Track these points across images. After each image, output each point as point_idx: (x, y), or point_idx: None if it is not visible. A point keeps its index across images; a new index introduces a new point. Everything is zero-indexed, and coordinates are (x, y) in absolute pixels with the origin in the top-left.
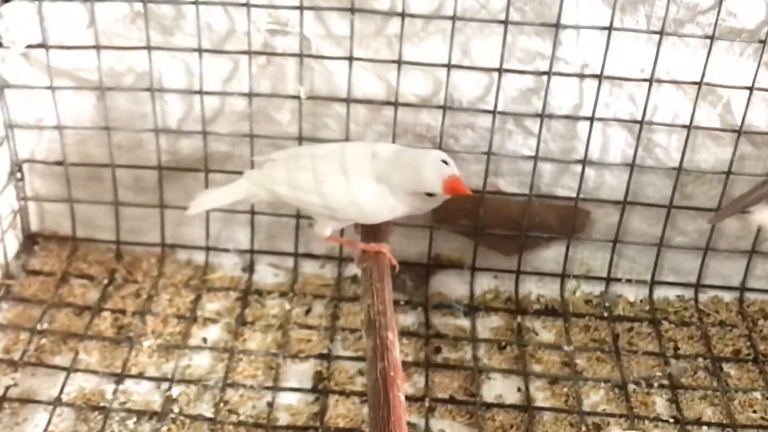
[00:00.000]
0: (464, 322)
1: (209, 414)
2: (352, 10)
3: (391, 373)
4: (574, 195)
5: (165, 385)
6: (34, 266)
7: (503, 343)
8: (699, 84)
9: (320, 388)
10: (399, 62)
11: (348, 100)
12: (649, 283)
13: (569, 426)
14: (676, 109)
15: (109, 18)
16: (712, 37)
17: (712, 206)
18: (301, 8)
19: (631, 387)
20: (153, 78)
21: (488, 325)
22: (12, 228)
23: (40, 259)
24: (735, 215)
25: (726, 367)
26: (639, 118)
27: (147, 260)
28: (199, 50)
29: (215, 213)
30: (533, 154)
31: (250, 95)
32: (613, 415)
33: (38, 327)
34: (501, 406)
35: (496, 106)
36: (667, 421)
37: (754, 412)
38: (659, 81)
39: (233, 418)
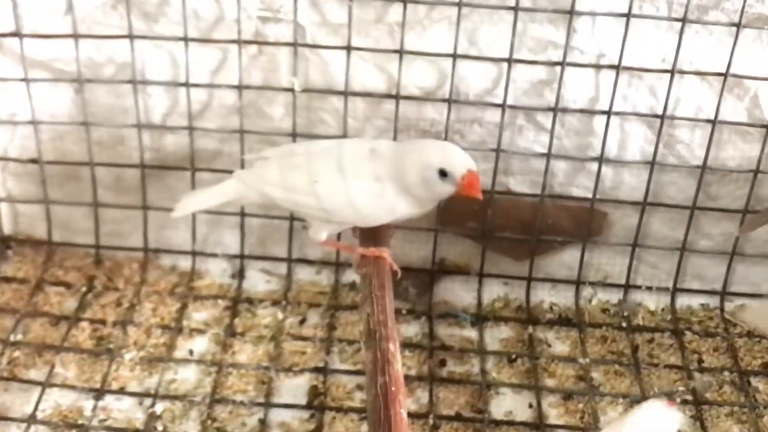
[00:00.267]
0: (471, 333)
1: None
2: None
3: (393, 388)
4: (589, 195)
5: (148, 401)
6: (7, 273)
7: (513, 356)
8: (724, 75)
9: (316, 405)
10: (401, 52)
11: (346, 93)
12: (671, 291)
13: None
14: (700, 103)
15: (87, 4)
16: (738, 25)
17: (739, 207)
18: None
19: None
20: (135, 69)
21: (497, 336)
22: None
23: (13, 264)
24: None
25: (754, 381)
26: (660, 112)
27: (129, 266)
28: (185, 39)
29: (202, 215)
30: (546, 151)
31: (240, 88)
32: None
33: (11, 338)
34: (511, 423)
35: (505, 99)
36: None
37: None
38: (681, 72)
39: None
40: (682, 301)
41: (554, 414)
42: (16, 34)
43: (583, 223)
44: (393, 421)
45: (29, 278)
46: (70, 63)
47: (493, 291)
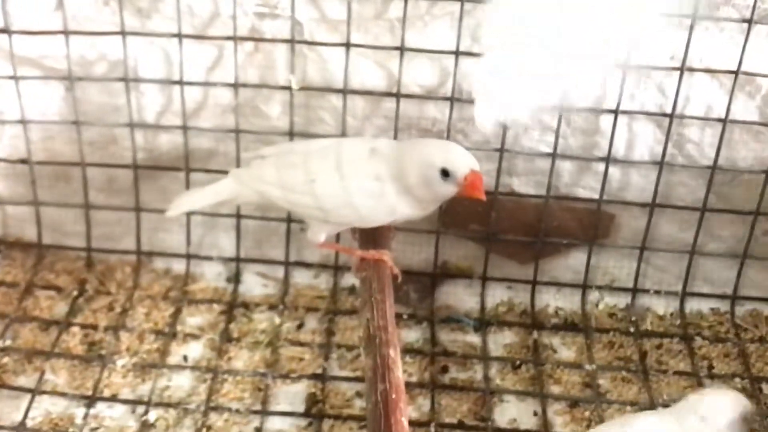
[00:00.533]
0: (474, 338)
1: None
2: None
3: (393, 396)
4: (596, 196)
5: (141, 409)
6: None
7: (518, 362)
8: (735, 73)
9: (314, 412)
10: (401, 49)
11: (345, 91)
12: (681, 295)
13: None
14: (710, 101)
15: (78, 0)
16: (750, 21)
17: (751, 209)
18: None
19: None
20: (128, 67)
21: (501, 341)
22: None
23: (2, 268)
24: None
25: (766, 388)
26: (669, 110)
27: (121, 269)
28: (179, 36)
29: (197, 217)
30: (551, 151)
31: (236, 86)
32: None
33: (0, 344)
34: (515, 431)
35: None
36: None
37: None
38: (691, 69)
39: None
40: (692, 305)
41: (560, 422)
42: (4, 30)
43: (590, 225)
44: (394, 430)
45: (18, 282)
46: (60, 60)
47: (497, 295)
